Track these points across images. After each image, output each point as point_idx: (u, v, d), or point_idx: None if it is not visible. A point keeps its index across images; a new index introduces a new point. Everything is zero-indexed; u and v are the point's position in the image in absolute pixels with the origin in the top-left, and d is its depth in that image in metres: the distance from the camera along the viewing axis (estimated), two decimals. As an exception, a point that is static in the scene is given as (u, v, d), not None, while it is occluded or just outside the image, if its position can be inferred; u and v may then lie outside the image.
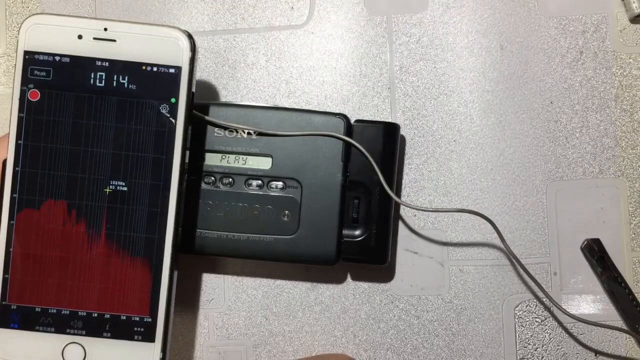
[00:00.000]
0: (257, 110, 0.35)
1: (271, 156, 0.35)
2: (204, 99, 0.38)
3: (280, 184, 0.35)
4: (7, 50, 0.40)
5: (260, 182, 0.35)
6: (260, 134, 0.35)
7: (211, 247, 0.35)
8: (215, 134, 0.35)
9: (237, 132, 0.35)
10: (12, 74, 0.36)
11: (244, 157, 0.35)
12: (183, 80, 0.31)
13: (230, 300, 0.38)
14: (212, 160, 0.35)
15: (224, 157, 0.35)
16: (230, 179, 0.35)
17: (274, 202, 0.35)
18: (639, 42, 0.38)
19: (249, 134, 0.35)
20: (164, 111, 0.31)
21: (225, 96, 0.39)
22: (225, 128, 0.35)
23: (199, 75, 0.39)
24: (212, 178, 0.35)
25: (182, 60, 0.31)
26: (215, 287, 0.38)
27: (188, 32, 0.31)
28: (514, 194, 0.38)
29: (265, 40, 0.39)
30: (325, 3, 0.39)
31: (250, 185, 0.35)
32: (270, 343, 0.38)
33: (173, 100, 0.31)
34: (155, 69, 0.31)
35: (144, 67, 0.31)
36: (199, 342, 0.38)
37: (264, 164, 0.35)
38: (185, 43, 0.31)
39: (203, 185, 0.35)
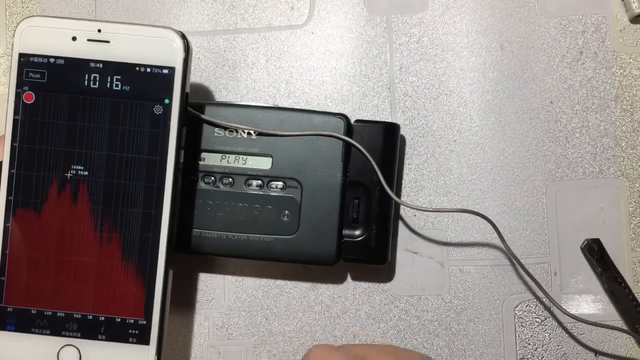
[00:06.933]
0: (257, 110, 0.35)
1: (271, 156, 0.35)
2: (204, 98, 0.38)
3: (280, 184, 0.35)
4: (7, 50, 0.39)
5: (260, 182, 0.35)
6: (260, 134, 0.35)
7: (211, 247, 0.35)
8: (215, 134, 0.35)
9: (237, 132, 0.35)
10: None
11: (244, 157, 0.35)
12: (177, 81, 0.31)
13: (230, 300, 0.38)
14: (212, 160, 0.35)
15: (224, 157, 0.35)
16: (230, 179, 0.35)
17: (274, 202, 0.35)
18: (639, 42, 0.38)
19: (249, 134, 0.35)
20: (157, 112, 0.31)
21: (225, 96, 0.39)
22: (225, 128, 0.35)
23: (199, 75, 0.39)
24: (212, 178, 0.35)
25: (176, 60, 0.31)
26: (215, 287, 0.38)
27: (182, 33, 0.31)
28: (514, 194, 0.38)
29: (265, 40, 0.39)
30: (325, 3, 0.39)
31: (250, 185, 0.35)
32: (270, 343, 0.38)
33: (167, 101, 0.31)
34: (148, 69, 0.31)
35: (137, 68, 0.31)
36: (199, 342, 0.38)
37: (264, 164, 0.35)
38: (178, 43, 0.31)
39: (203, 185, 0.35)
